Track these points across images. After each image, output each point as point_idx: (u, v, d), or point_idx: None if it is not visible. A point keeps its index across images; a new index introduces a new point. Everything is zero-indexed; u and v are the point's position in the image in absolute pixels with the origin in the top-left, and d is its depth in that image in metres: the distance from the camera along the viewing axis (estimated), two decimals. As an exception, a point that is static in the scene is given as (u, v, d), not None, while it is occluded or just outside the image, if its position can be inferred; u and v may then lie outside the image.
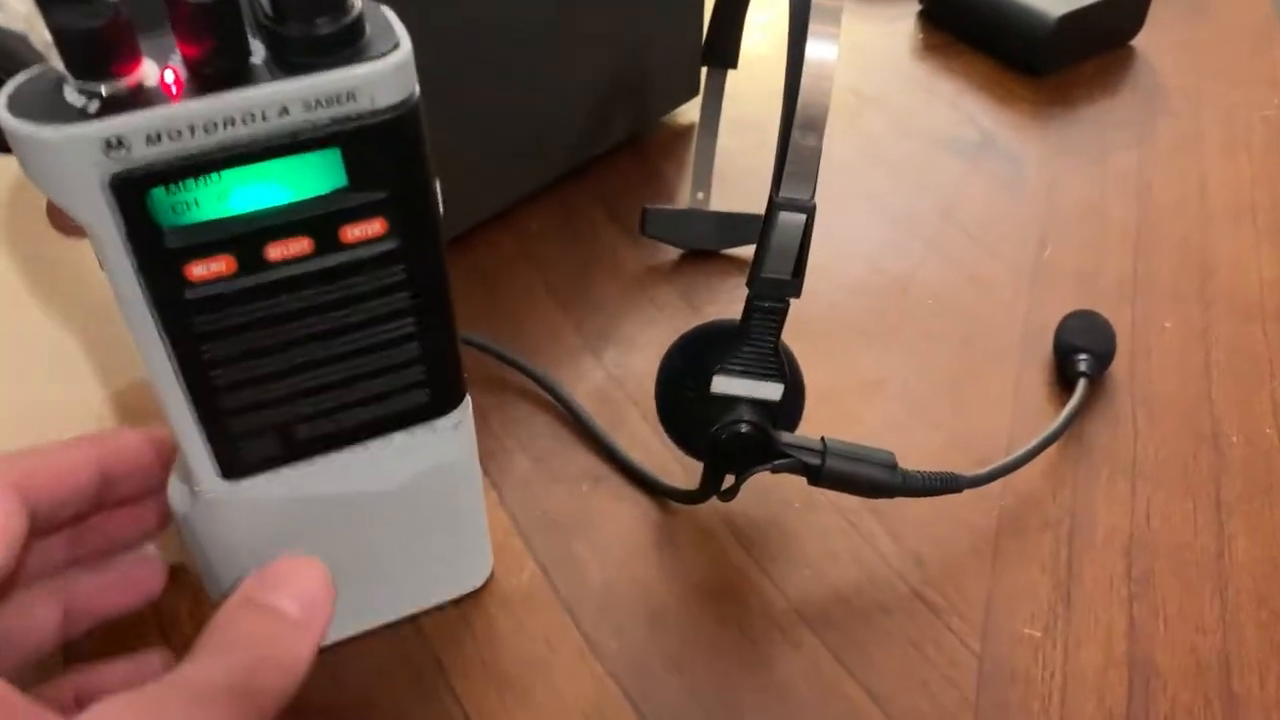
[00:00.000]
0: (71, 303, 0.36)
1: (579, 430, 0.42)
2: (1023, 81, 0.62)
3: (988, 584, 0.37)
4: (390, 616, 0.35)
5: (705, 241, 0.49)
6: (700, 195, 0.49)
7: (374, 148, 0.23)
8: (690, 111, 0.58)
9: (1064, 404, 0.41)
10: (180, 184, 0.22)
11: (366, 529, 0.31)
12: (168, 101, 0.21)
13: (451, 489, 0.32)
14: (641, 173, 0.55)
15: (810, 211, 0.32)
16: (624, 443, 0.41)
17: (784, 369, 0.34)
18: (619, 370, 0.44)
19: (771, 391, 0.34)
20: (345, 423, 0.28)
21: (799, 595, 0.36)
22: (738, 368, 0.34)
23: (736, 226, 0.49)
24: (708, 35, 0.48)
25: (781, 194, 0.32)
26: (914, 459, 0.36)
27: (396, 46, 0.23)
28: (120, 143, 0.21)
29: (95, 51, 0.21)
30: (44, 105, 0.21)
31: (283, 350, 0.26)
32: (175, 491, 0.29)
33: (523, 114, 0.48)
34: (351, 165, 0.23)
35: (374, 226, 0.24)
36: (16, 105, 0.21)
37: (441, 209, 0.26)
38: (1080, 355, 0.43)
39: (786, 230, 0.32)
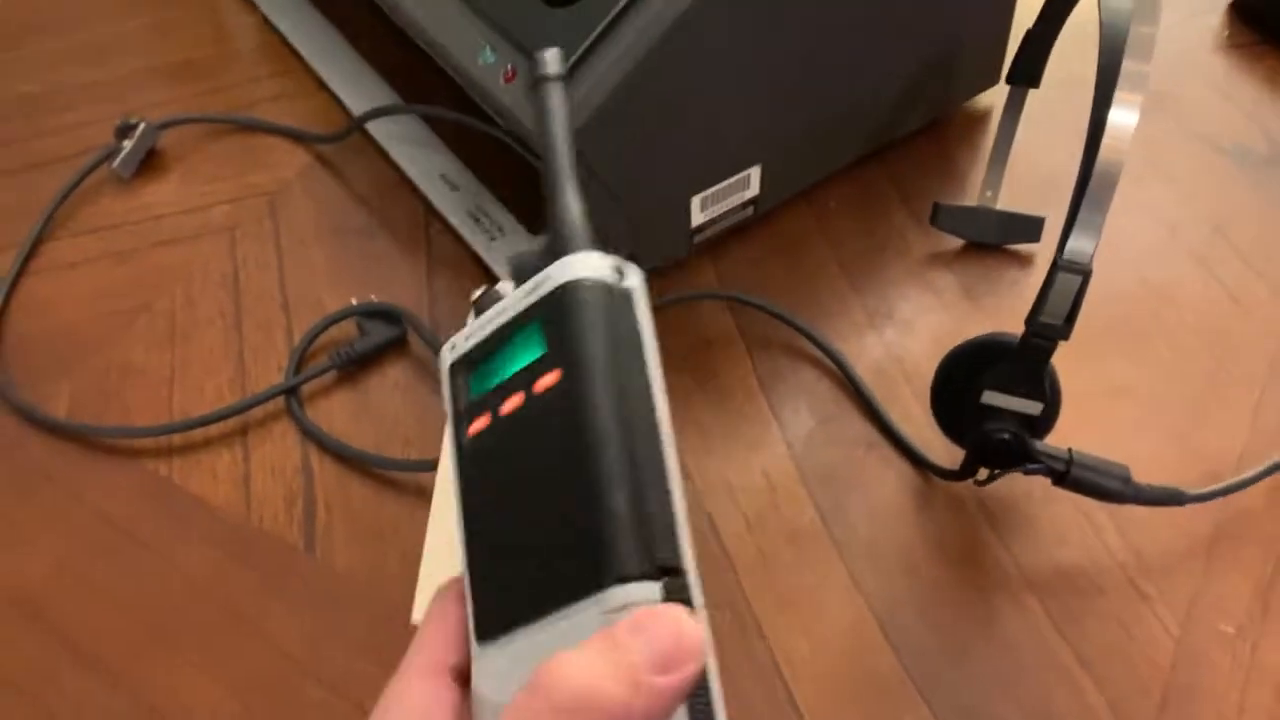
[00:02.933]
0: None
1: (859, 400, 0.51)
2: (1328, 85, 0.63)
3: (1196, 583, 0.44)
4: None
5: (989, 236, 0.56)
6: (989, 194, 0.56)
7: (555, 323, 0.29)
8: (990, 97, 0.63)
9: (1299, 434, 0.46)
10: (480, 373, 0.30)
11: None
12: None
13: None
14: (936, 159, 0.61)
15: (1087, 275, 0.39)
16: (896, 416, 0.50)
17: (1046, 391, 0.42)
18: (897, 349, 0.52)
19: (1032, 409, 0.42)
20: (521, 602, 0.27)
21: (1031, 568, 0.44)
22: (1006, 385, 0.42)
23: (1019, 226, 0.55)
24: (1016, 55, 0.54)
25: (1065, 256, 0.39)
26: (1146, 466, 0.43)
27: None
28: (454, 345, 0.31)
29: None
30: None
31: (504, 505, 0.29)
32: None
33: (834, 99, 0.56)
34: (547, 337, 0.29)
35: (551, 376, 0.28)
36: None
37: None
38: (1325, 389, 0.47)
39: (1064, 289, 0.39)
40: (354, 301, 0.56)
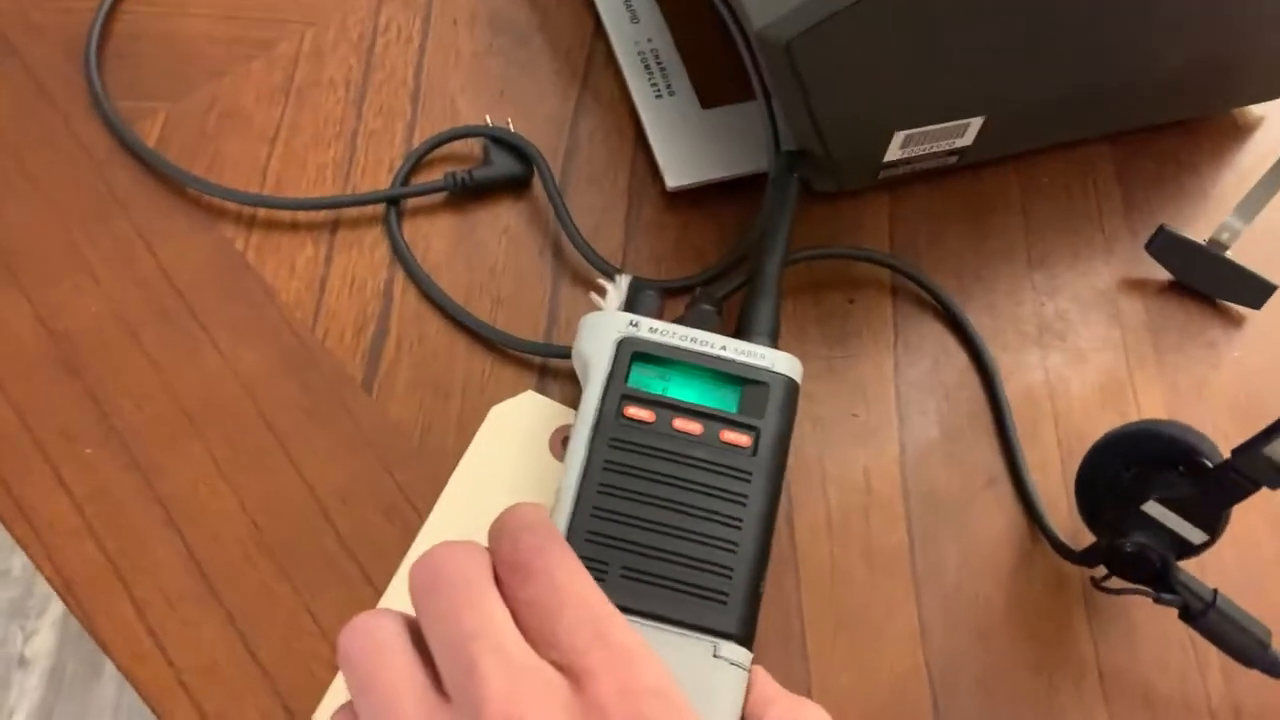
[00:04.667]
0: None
1: (996, 426, 0.45)
2: None
3: (1288, 765, 0.39)
4: None
5: (1201, 284, 0.48)
6: (1225, 235, 0.47)
7: (756, 395, 0.37)
8: (1263, 109, 0.53)
9: None
10: (648, 366, 0.38)
11: None
12: (664, 321, 0.39)
13: None
14: (1175, 165, 0.52)
15: (1335, 434, 0.32)
16: (1031, 458, 0.44)
17: (1219, 526, 0.36)
18: (1056, 379, 0.46)
19: (1195, 537, 0.36)
20: (644, 593, 0.34)
21: (1114, 680, 0.40)
22: (1177, 506, 0.36)
23: (1243, 285, 0.47)
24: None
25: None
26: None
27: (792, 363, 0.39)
28: (636, 324, 0.38)
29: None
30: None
31: (643, 497, 0.35)
32: None
33: (1088, 69, 0.47)
34: (743, 399, 0.37)
35: (743, 438, 0.36)
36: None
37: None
38: None
39: (1300, 439, 0.32)
40: (488, 120, 0.50)
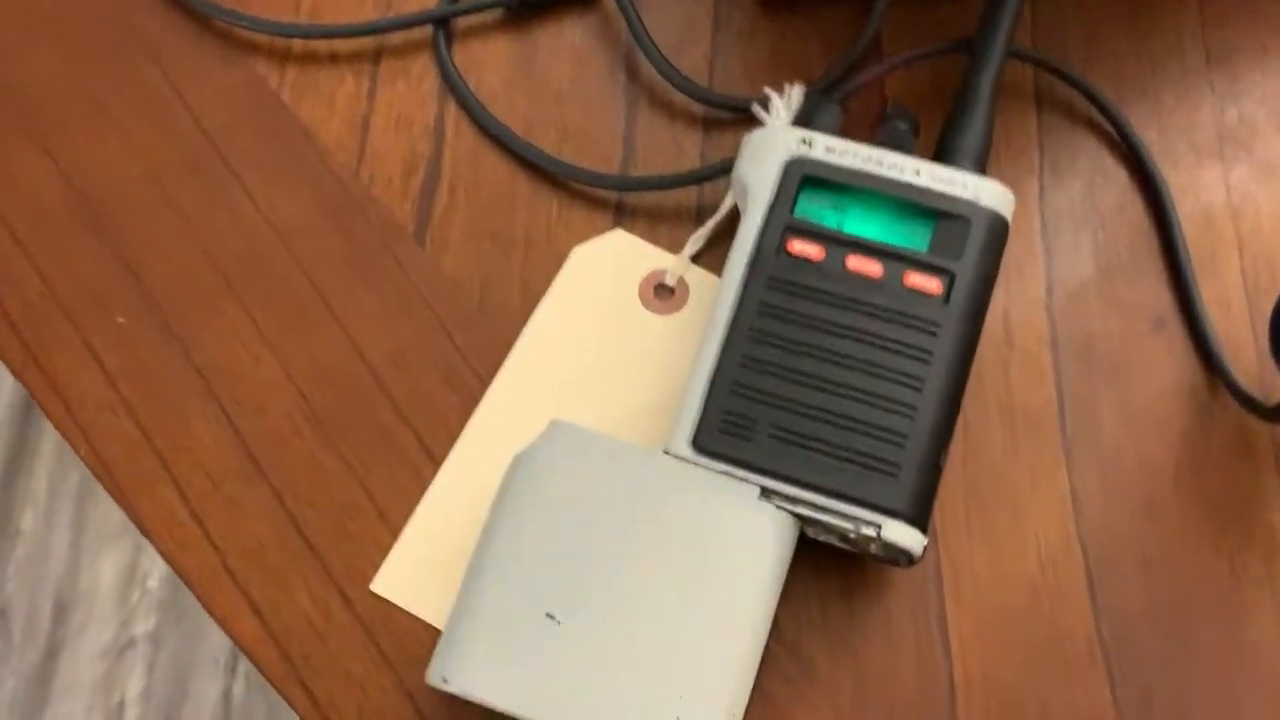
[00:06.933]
0: (640, 376, 0.35)
1: (1165, 255, 0.37)
2: None
3: None
4: None
5: None
6: None
7: (953, 232, 0.31)
8: None
9: None
10: (820, 194, 0.32)
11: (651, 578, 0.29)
12: (848, 140, 0.32)
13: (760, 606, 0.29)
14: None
15: None
16: (1208, 292, 0.36)
17: None
18: (1241, 198, 0.38)
19: None
20: (796, 456, 0.29)
21: (1315, 561, 0.33)
22: None
23: None
24: None
25: None
26: None
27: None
28: (809, 143, 0.32)
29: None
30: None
31: (804, 347, 0.30)
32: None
33: None
34: (935, 237, 0.31)
35: (933, 284, 0.31)
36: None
37: None
38: None
39: None
40: (550, -81, 0.43)
